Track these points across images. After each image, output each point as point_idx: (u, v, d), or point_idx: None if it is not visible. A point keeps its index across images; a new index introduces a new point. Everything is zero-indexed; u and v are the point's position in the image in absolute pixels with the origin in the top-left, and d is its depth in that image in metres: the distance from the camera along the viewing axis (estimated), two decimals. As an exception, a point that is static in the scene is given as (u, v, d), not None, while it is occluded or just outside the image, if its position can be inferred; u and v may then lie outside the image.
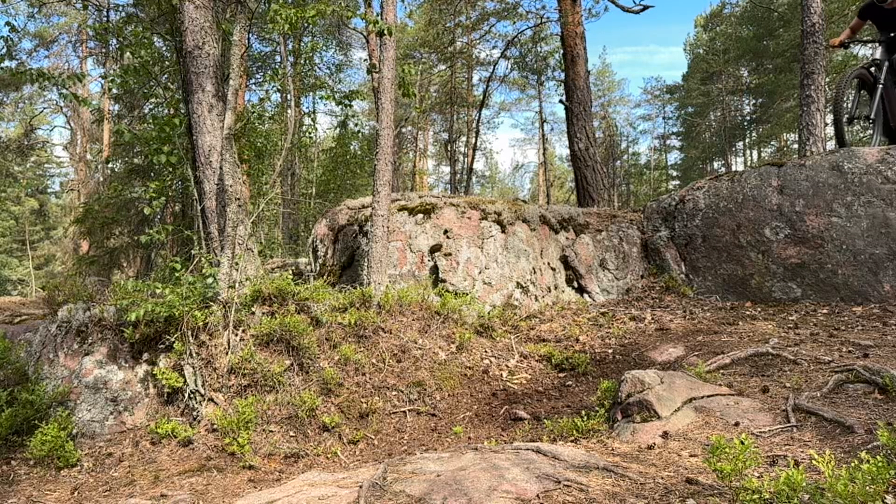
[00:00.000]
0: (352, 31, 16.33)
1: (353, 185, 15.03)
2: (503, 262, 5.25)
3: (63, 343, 3.60)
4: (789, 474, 1.42)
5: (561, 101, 10.17)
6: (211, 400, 3.48)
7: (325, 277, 5.42)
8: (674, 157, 38.90)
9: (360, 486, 1.69)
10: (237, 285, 3.85)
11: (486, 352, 4.22)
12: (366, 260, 4.85)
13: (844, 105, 5.20)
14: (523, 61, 19.65)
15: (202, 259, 3.99)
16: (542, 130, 25.97)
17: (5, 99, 21.30)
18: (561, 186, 33.80)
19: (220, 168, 4.16)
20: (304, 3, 4.98)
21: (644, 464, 1.96)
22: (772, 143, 30.32)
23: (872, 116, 5.19)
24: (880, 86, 5.18)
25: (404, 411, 3.51)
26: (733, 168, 30.93)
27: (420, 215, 5.33)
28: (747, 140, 33.01)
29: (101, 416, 3.44)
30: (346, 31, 17.10)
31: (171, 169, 5.05)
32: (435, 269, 5.08)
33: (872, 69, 5.32)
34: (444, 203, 5.43)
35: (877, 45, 5.38)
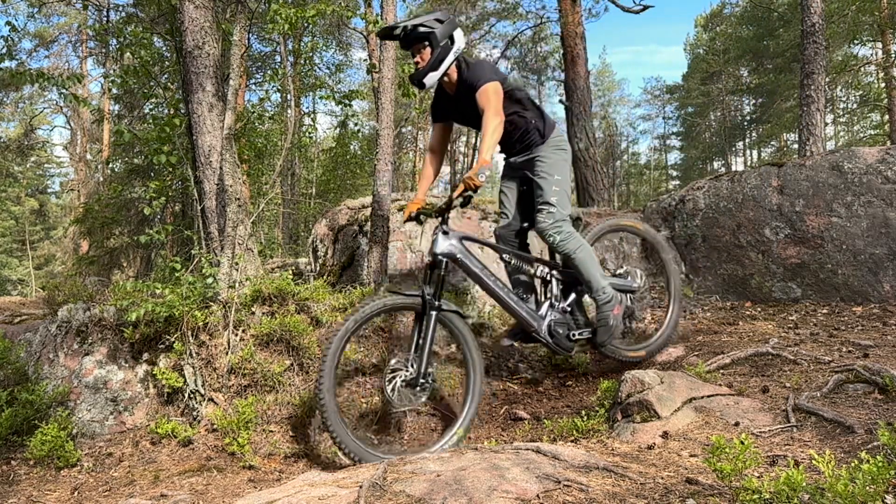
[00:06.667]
0: (352, 31, 16.33)
1: (353, 185, 15.03)
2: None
3: (63, 343, 3.60)
4: (789, 474, 1.42)
5: (561, 101, 10.18)
6: (211, 400, 3.48)
7: (325, 277, 5.42)
8: (674, 157, 38.90)
9: (360, 486, 1.69)
10: (237, 285, 3.85)
11: (485, 351, 4.22)
12: (366, 260, 4.85)
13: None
14: (523, 61, 19.65)
15: (202, 259, 3.98)
16: (542, 130, 25.94)
17: (5, 99, 21.30)
18: (561, 186, 33.74)
19: (220, 168, 4.16)
20: (304, 3, 4.98)
21: (644, 464, 1.96)
22: (772, 143, 30.34)
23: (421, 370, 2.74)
24: (434, 313, 2.78)
25: (404, 411, 3.51)
26: (733, 168, 30.94)
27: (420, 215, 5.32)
28: (747, 140, 33.03)
29: (101, 416, 3.44)
30: (346, 31, 17.10)
31: (171, 169, 5.05)
32: (435, 269, 5.07)
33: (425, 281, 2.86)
34: (444, 203, 5.43)
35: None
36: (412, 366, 2.78)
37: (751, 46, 25.65)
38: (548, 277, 3.28)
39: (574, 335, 3.25)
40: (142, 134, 5.21)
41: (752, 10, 23.93)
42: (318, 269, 5.91)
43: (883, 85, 18.95)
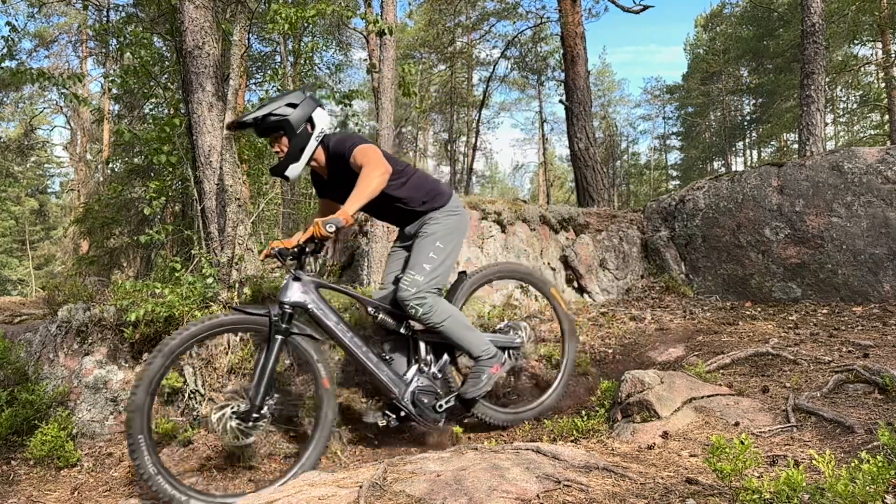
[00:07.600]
0: (352, 31, 16.34)
1: (354, 185, 14.96)
2: (503, 261, 5.25)
3: (63, 343, 3.60)
4: (789, 474, 1.42)
5: (561, 101, 10.19)
6: (211, 400, 3.48)
7: (325, 277, 5.42)
8: (674, 157, 38.87)
9: (360, 486, 1.69)
10: (237, 285, 3.84)
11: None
12: (366, 260, 4.86)
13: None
14: (523, 61, 19.67)
15: (202, 259, 3.98)
16: (542, 130, 25.99)
17: (5, 99, 21.32)
18: (561, 186, 33.81)
19: (220, 168, 4.16)
20: (305, 3, 4.98)
21: (644, 464, 1.96)
22: (772, 143, 30.34)
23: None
24: (279, 337, 2.50)
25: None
26: (733, 168, 30.96)
27: (420, 215, 5.33)
28: (747, 140, 33.04)
29: (101, 416, 3.44)
30: (346, 31, 17.11)
31: (171, 169, 5.04)
32: (435, 269, 5.06)
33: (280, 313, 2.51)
34: (444, 203, 5.42)
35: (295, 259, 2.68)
36: (248, 397, 2.46)
37: (751, 46, 25.65)
38: (413, 336, 2.91)
39: (441, 405, 2.88)
40: (142, 134, 5.21)
41: (752, 10, 23.95)
42: (317, 268, 5.91)
43: (883, 85, 18.97)
